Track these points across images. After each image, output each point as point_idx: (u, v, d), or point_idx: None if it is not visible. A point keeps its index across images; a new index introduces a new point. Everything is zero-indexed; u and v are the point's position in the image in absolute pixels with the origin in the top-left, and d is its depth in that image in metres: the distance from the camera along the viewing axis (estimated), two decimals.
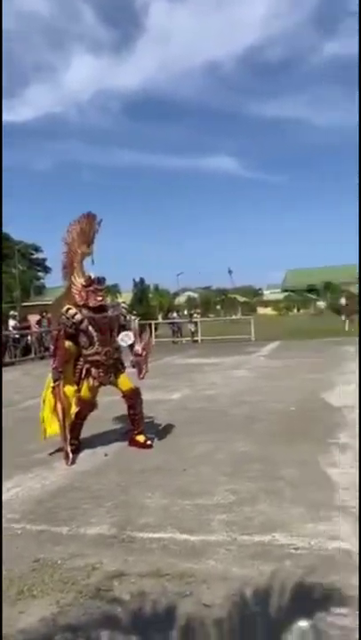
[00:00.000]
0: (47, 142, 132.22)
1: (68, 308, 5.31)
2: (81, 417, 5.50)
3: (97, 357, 5.32)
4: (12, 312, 21.71)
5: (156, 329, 24.07)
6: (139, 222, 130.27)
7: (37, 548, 3.26)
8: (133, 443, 5.53)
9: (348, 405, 6.94)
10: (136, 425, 5.58)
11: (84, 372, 5.44)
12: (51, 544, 3.30)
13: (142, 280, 35.85)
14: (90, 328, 5.27)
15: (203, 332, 23.06)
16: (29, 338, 18.61)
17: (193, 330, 23.23)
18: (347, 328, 22.65)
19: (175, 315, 27.36)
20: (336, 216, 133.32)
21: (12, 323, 18.58)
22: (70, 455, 5.14)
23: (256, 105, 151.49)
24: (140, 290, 35.05)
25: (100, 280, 5.42)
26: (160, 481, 4.39)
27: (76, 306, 5.35)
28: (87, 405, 5.48)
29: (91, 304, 5.30)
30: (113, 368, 5.44)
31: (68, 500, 4.08)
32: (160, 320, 29.86)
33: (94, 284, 5.37)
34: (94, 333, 5.29)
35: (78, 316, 5.26)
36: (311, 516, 3.46)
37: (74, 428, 5.44)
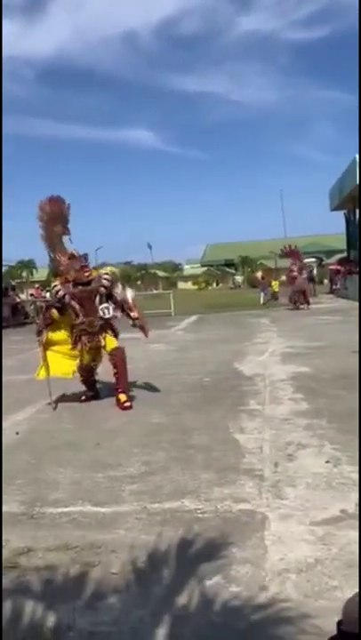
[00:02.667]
0: None
1: (55, 285, 6.16)
2: (87, 383, 6.44)
3: (83, 326, 6.00)
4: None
5: None
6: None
7: None
8: (116, 401, 5.95)
9: (260, 374, 7.21)
10: (118, 383, 6.02)
11: (76, 339, 6.10)
12: None
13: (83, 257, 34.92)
14: (72, 302, 5.97)
15: None
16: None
17: None
18: (262, 301, 23.36)
19: None
20: (253, 191, 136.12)
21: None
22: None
23: (174, 78, 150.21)
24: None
25: (85, 257, 6.26)
26: (73, 456, 4.36)
27: (67, 281, 6.02)
28: (85, 370, 6.29)
29: (80, 280, 5.97)
30: (99, 333, 6.06)
31: None
32: None
33: (78, 260, 6.09)
34: (76, 306, 5.98)
35: (61, 292, 5.98)
36: (219, 481, 3.58)
37: (87, 386, 6.45)
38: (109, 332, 6.19)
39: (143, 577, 2.49)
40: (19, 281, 39.21)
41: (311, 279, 28.85)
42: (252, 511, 3.10)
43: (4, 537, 2.97)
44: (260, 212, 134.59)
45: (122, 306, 6.27)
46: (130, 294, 6.49)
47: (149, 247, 64.58)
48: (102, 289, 6.06)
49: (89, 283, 6.04)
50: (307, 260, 36.46)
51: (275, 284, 26.03)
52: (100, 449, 4.50)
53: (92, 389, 6.53)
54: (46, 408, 6.08)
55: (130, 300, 6.35)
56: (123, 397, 5.91)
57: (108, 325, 6.17)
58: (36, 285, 31.00)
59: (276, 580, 2.37)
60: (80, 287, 5.99)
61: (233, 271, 61.70)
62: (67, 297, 5.97)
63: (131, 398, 6.06)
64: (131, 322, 6.42)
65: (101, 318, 6.04)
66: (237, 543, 2.71)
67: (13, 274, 46.99)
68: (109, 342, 6.12)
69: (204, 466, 3.90)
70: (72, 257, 6.15)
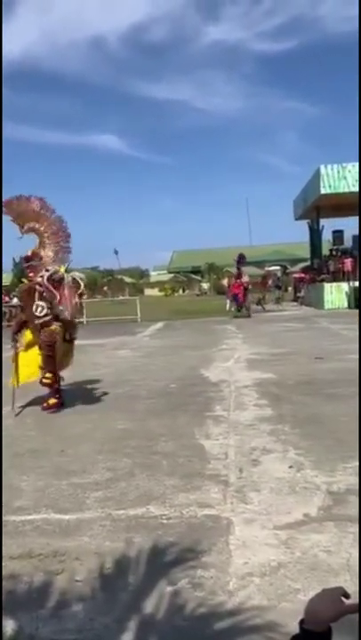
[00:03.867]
0: None
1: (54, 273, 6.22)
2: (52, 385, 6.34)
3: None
4: None
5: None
6: None
7: None
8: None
9: (225, 380, 7.26)
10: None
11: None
12: None
13: (23, 259, 34.43)
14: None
15: (88, 313, 22.73)
16: None
17: None
18: (228, 308, 23.53)
19: None
20: (219, 198, 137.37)
21: None
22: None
23: (141, 84, 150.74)
24: (20, 270, 33.66)
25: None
26: (37, 463, 4.31)
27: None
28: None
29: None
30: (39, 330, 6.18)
31: None
32: None
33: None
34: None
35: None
36: (184, 487, 3.59)
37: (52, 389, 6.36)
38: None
39: (108, 584, 2.48)
40: None
41: (278, 286, 29.28)
42: (217, 516, 3.12)
43: None
44: (226, 219, 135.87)
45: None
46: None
47: (116, 253, 64.25)
48: (38, 287, 6.12)
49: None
50: (272, 268, 37.02)
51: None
52: (64, 456, 4.45)
53: (58, 395, 6.40)
54: (10, 414, 5.99)
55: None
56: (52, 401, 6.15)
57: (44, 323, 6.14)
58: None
59: (240, 583, 2.40)
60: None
61: (199, 278, 61.94)
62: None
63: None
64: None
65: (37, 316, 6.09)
66: (202, 548, 2.73)
67: None
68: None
69: (170, 472, 3.91)
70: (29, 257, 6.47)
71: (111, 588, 2.44)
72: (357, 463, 3.73)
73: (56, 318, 6.10)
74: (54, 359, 6.16)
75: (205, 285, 54.98)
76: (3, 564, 2.70)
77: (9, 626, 2.19)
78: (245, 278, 20.52)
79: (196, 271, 65.18)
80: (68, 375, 6.97)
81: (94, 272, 69.40)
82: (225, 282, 30.26)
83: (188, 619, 2.20)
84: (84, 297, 6.79)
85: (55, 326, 6.11)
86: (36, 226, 6.44)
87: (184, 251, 73.52)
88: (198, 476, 3.77)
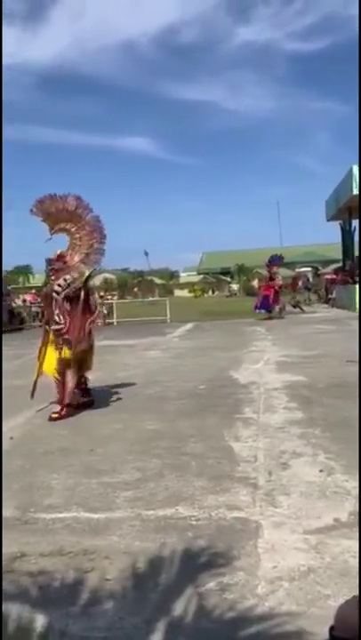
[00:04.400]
0: None
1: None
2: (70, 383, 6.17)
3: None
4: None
5: None
6: None
7: None
8: None
9: (255, 382, 7.22)
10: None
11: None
12: None
13: (46, 261, 34.89)
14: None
15: (119, 313, 22.95)
16: None
17: (106, 312, 23.03)
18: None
19: None
20: (250, 200, 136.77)
21: None
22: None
23: (172, 86, 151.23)
24: (47, 271, 34.16)
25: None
26: (67, 461, 4.36)
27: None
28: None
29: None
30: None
31: None
32: None
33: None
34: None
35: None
36: (213, 489, 3.59)
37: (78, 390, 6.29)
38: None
39: (137, 583, 2.50)
40: (15, 286, 39.14)
41: (307, 288, 29.00)
42: (246, 519, 3.11)
43: None
44: (256, 220, 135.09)
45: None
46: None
47: (146, 254, 64.31)
48: (55, 294, 6.07)
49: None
50: (302, 269, 36.68)
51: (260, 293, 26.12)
52: (94, 455, 4.50)
53: (86, 395, 6.42)
54: (41, 413, 6.07)
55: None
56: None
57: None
58: (33, 291, 30.94)
59: (269, 588, 2.38)
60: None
61: (229, 279, 61.77)
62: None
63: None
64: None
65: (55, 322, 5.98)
66: (231, 551, 2.72)
67: (10, 279, 47.01)
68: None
69: (199, 473, 3.91)
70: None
71: (141, 587, 2.46)
72: None
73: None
74: (64, 386, 5.98)
75: (235, 287, 54.83)
76: (34, 560, 2.76)
77: (39, 621, 2.23)
78: (278, 280, 20.32)
79: (225, 272, 65.03)
80: (99, 376, 7.05)
81: (125, 273, 69.98)
82: (255, 283, 30.22)
83: (216, 622, 2.20)
84: (112, 298, 6.68)
85: (66, 352, 5.95)
86: (67, 226, 6.27)
87: (214, 252, 73.44)
88: (227, 478, 3.76)
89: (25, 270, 54.07)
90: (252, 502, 3.34)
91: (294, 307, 22.24)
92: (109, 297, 25.24)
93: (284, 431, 4.86)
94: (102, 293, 31.08)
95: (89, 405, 6.28)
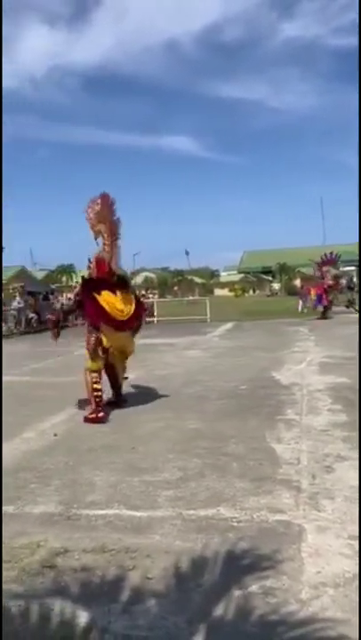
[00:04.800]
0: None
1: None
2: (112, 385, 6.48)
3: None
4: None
5: None
6: None
7: None
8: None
9: (297, 383, 7.12)
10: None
11: None
12: None
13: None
14: None
15: (159, 312, 23.05)
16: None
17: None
18: (300, 309, 23.07)
19: None
20: (292, 198, 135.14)
21: None
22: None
23: (215, 85, 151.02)
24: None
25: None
26: (109, 459, 4.40)
27: None
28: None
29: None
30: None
31: (15, 479, 4.04)
32: None
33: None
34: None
35: None
36: (255, 490, 3.55)
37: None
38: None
39: (179, 583, 2.49)
40: (58, 285, 39.79)
41: (350, 287, 28.38)
42: (289, 522, 3.07)
43: (41, 537, 3.03)
44: (298, 219, 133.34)
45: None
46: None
47: (187, 253, 64.52)
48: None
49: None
50: (346, 269, 35.94)
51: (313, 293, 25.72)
52: (135, 453, 4.53)
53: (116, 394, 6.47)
54: (83, 411, 6.14)
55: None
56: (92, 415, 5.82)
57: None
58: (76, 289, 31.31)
59: (313, 593, 2.34)
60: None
61: (270, 278, 61.16)
62: None
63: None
64: None
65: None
66: (274, 554, 2.68)
67: (54, 278, 47.89)
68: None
69: (240, 474, 3.88)
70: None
71: (182, 587, 2.45)
72: None
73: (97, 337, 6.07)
74: (94, 390, 5.92)
75: (276, 286, 54.28)
76: (77, 556, 2.79)
77: (82, 617, 2.25)
78: (328, 280, 19.91)
79: (266, 271, 64.38)
80: (140, 374, 7.11)
81: (165, 272, 70.25)
82: (298, 282, 29.80)
83: (258, 625, 2.17)
84: (152, 297, 6.68)
85: (90, 363, 6.03)
86: (98, 227, 6.22)
87: (255, 251, 72.74)
88: (269, 480, 3.72)
89: (68, 269, 54.96)
90: (296, 505, 3.29)
91: (347, 307, 21.69)
92: (150, 296, 25.33)
93: (328, 434, 4.77)
94: (143, 292, 31.24)
95: (118, 405, 6.32)
